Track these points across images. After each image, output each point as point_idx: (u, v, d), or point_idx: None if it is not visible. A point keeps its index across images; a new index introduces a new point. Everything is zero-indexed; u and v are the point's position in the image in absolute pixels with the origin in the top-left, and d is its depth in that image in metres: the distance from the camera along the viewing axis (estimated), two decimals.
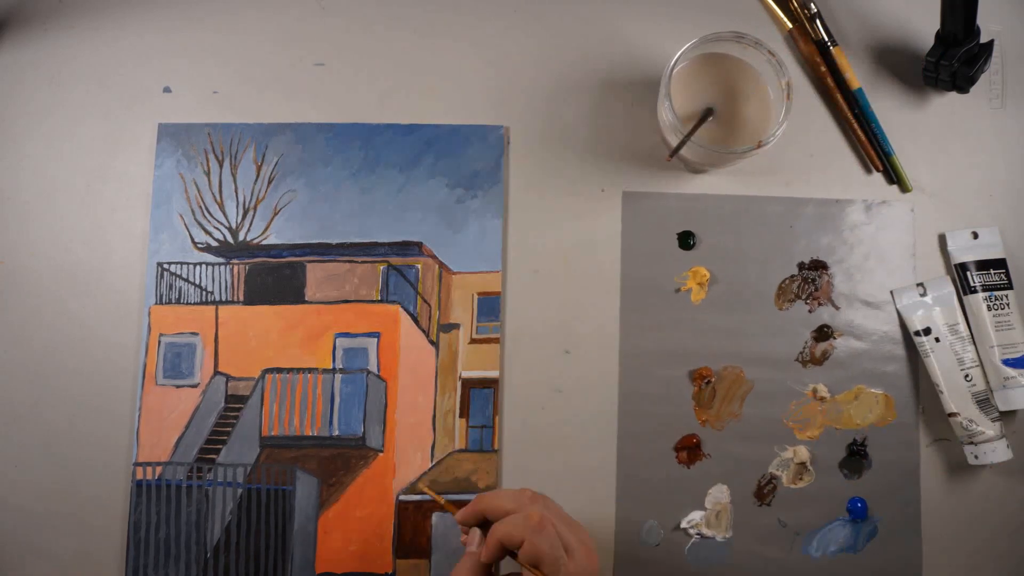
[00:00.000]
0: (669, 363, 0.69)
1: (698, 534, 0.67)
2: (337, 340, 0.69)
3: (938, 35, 0.69)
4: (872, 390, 0.69)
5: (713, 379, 0.69)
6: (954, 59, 0.67)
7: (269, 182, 0.71)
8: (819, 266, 0.70)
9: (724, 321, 0.69)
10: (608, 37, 0.73)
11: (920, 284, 0.70)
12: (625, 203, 0.71)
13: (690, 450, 0.68)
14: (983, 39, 0.68)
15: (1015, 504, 0.68)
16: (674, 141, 0.66)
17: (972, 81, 0.68)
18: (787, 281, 0.69)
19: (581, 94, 0.72)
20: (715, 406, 0.69)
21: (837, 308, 0.70)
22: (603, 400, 0.69)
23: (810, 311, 0.70)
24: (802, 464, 0.68)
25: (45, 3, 0.73)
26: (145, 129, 0.71)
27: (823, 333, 0.69)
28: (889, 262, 0.70)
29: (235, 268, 0.70)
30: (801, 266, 0.70)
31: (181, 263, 0.70)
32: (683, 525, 0.67)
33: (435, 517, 0.67)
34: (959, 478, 0.68)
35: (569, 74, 0.72)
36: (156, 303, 0.69)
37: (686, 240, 0.70)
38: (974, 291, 0.68)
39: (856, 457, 0.68)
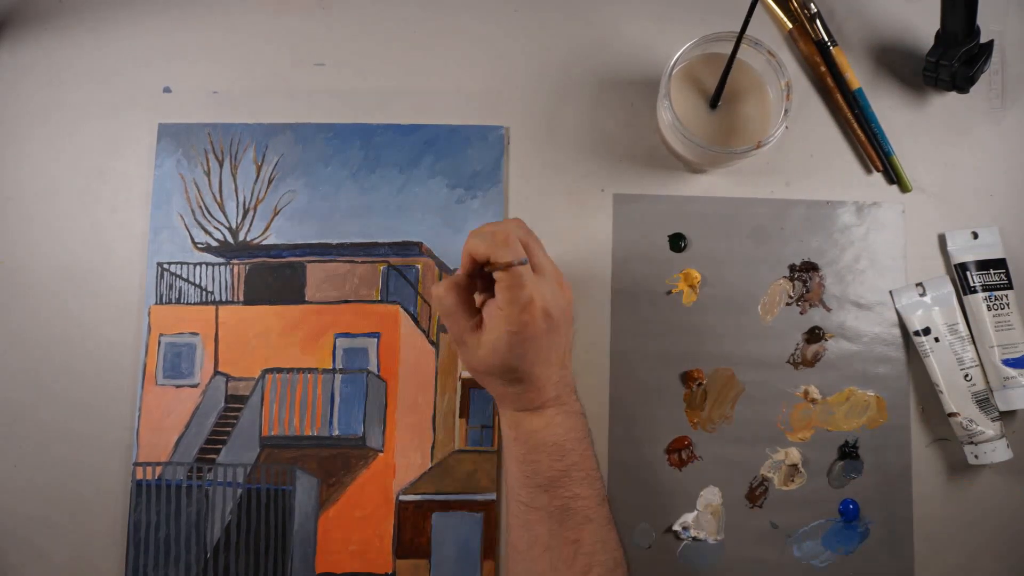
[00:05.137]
0: (660, 365, 0.69)
1: (690, 536, 0.67)
2: (337, 340, 0.69)
3: (938, 35, 0.69)
4: (864, 392, 0.69)
5: (704, 381, 0.69)
6: (954, 59, 0.67)
7: (269, 182, 0.71)
8: (810, 268, 0.70)
9: (715, 323, 0.69)
10: (608, 37, 0.73)
11: (919, 284, 0.70)
12: (616, 205, 0.71)
13: (682, 452, 0.68)
14: (983, 39, 0.68)
15: (1015, 504, 0.68)
16: (674, 141, 0.66)
17: (972, 81, 0.68)
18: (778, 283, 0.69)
19: (581, 94, 0.72)
20: (706, 408, 0.69)
21: (828, 310, 0.70)
22: (600, 401, 0.69)
23: (801, 313, 0.70)
24: (793, 466, 0.68)
25: (45, 3, 0.73)
26: (145, 129, 0.71)
27: (814, 335, 0.69)
28: (880, 263, 0.70)
29: (235, 268, 0.70)
30: (792, 268, 0.70)
31: (181, 263, 0.70)
32: (675, 527, 0.67)
33: (435, 517, 0.67)
34: (958, 478, 0.68)
35: (569, 74, 0.72)
36: (156, 303, 0.69)
37: (677, 242, 0.70)
38: (974, 291, 0.68)
39: (848, 459, 0.68)
